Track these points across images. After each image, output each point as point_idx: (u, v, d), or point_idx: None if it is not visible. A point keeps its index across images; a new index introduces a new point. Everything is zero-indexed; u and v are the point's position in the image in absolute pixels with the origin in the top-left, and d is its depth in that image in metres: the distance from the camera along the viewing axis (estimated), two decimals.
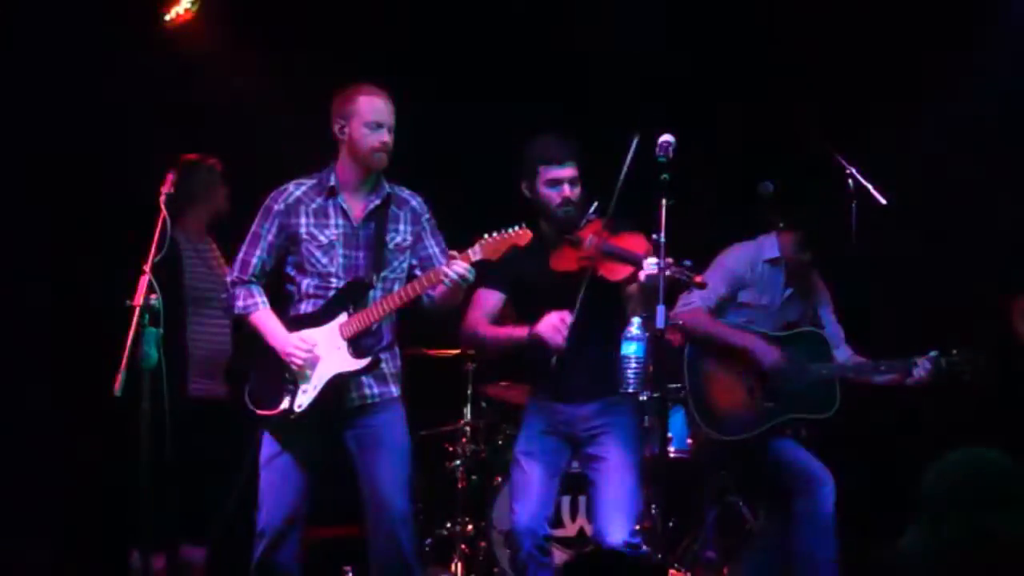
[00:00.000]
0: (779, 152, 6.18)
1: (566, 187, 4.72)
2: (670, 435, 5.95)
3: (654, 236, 4.37)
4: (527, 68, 6.74)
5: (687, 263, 4.46)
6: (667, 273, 4.36)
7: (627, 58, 6.48)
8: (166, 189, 4.54)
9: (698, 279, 4.52)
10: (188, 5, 6.29)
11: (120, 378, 4.23)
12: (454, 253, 4.47)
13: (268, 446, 4.59)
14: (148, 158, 5.24)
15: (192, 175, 5.56)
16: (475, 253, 4.45)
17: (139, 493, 4.32)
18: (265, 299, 4.63)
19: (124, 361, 4.27)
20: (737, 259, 5.25)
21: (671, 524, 6.01)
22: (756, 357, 5.10)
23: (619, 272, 4.63)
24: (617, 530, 4.62)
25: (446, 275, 4.42)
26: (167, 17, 6.34)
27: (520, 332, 4.73)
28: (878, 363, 5.13)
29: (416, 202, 4.73)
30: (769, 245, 5.26)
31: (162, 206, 4.49)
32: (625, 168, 4.55)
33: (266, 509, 4.56)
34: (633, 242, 4.65)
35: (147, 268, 4.39)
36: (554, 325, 4.59)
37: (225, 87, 6.43)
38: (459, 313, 4.85)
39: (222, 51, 6.48)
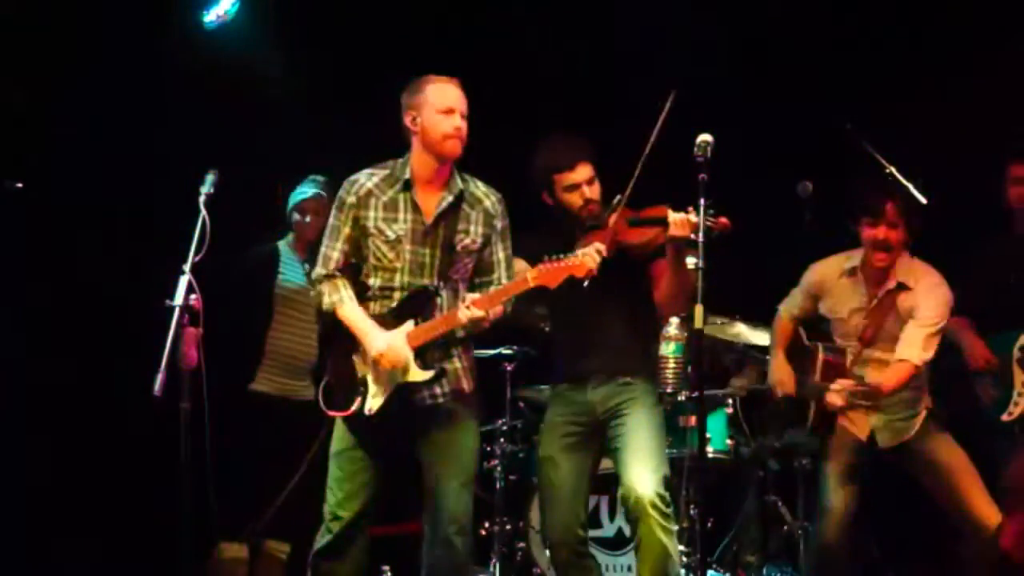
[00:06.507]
0: (818, 152, 6.13)
1: (584, 189, 4.65)
2: (708, 435, 5.91)
3: (692, 236, 4.34)
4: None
5: (711, 211, 4.31)
6: (692, 219, 4.28)
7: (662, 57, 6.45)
8: (205, 190, 4.56)
9: (722, 220, 4.34)
10: (228, 7, 6.32)
11: (160, 379, 4.26)
12: (474, 298, 4.39)
13: (339, 438, 4.58)
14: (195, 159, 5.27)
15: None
16: (534, 279, 4.38)
17: (213, 489, 4.56)
18: (351, 293, 4.54)
19: (164, 361, 4.29)
20: None
21: (709, 525, 5.97)
22: None
23: (644, 234, 4.52)
24: (646, 480, 4.54)
25: (459, 322, 4.38)
26: (208, 18, 6.38)
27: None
28: None
29: (490, 202, 4.62)
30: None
31: (201, 206, 4.50)
32: (658, 127, 4.44)
33: (336, 500, 4.56)
34: (656, 210, 4.53)
35: (187, 269, 4.41)
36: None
37: (267, 87, 6.46)
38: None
39: (263, 51, 6.51)
